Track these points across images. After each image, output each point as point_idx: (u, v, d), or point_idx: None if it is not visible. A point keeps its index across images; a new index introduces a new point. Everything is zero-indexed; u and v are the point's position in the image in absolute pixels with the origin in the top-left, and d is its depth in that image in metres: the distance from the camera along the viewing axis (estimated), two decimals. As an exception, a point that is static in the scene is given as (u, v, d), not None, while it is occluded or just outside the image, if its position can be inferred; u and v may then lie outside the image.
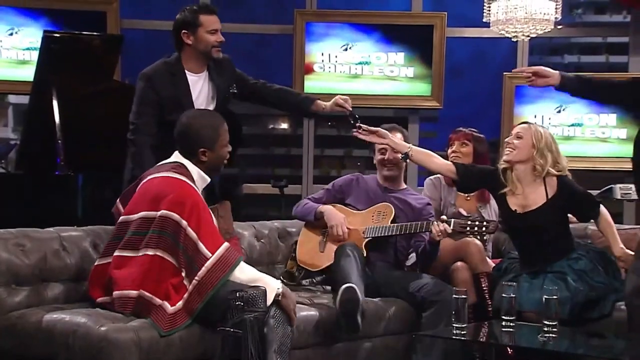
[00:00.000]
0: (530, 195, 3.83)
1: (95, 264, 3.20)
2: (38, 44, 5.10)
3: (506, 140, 3.92)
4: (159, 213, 3.04)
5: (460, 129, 4.39)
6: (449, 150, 4.36)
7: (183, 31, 3.71)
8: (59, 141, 4.85)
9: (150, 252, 3.03)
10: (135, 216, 3.11)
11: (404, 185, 4.18)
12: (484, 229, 3.73)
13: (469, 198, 4.32)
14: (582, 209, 3.91)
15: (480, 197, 4.30)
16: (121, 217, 3.18)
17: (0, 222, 3.43)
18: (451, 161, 4.09)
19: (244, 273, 3.04)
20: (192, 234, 3.01)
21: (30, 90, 5.03)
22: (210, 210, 3.16)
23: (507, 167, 3.87)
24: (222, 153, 3.27)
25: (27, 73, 5.82)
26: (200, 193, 3.17)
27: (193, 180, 3.15)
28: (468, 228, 3.74)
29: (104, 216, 3.40)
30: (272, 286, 3.03)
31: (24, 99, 5.37)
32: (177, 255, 3.02)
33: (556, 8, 5.25)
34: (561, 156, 3.87)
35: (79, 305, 3.16)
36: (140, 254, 3.05)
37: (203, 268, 2.98)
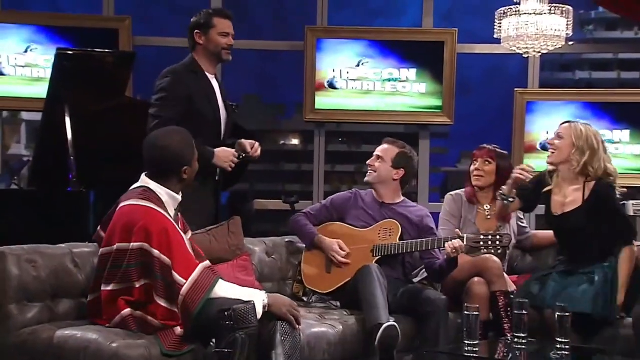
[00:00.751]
0: (570, 197, 3.88)
1: (88, 299, 3.18)
2: (50, 62, 5.13)
3: (547, 141, 4.00)
4: (130, 245, 3.00)
5: (484, 145, 4.36)
6: (472, 168, 4.34)
7: (196, 31, 3.88)
8: (71, 157, 4.88)
9: (137, 285, 3.01)
10: (114, 247, 3.06)
11: (400, 198, 4.15)
12: (497, 242, 3.73)
13: (489, 217, 4.30)
14: (611, 229, 3.86)
15: (500, 217, 4.28)
16: (101, 250, 3.13)
17: (12, 238, 3.44)
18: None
19: (225, 291, 3.00)
20: (166, 260, 2.97)
21: (43, 107, 5.06)
22: (181, 233, 3.10)
23: (553, 169, 3.91)
24: (197, 167, 3.25)
25: (41, 90, 5.87)
26: (171, 215, 3.11)
27: (162, 203, 3.09)
28: (482, 243, 3.74)
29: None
30: (258, 299, 3.00)
31: (37, 116, 5.40)
32: (157, 283, 2.99)
33: (567, 24, 5.24)
34: (606, 157, 3.87)
35: (91, 322, 3.16)
36: (125, 286, 3.02)
37: (180, 296, 2.94)
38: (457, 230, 3.92)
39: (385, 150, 4.11)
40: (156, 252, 2.97)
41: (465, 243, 3.75)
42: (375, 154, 4.13)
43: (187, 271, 2.97)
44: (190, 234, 3.37)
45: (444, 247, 3.78)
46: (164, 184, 3.13)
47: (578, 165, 3.83)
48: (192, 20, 3.91)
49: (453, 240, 3.74)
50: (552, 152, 3.90)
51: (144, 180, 3.16)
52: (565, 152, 3.86)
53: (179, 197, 3.19)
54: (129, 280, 3.02)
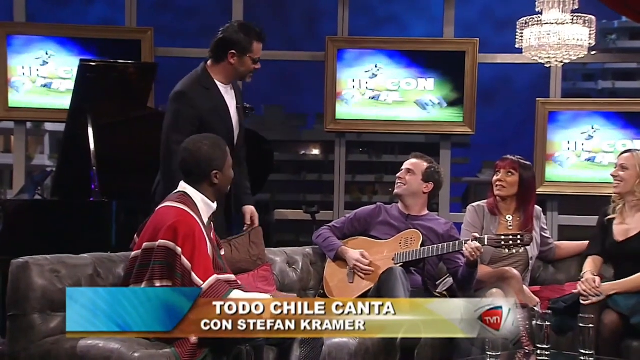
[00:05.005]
0: (634, 224, 3.93)
1: None
2: (73, 73, 5.18)
3: (611, 173, 4.03)
4: (157, 243, 3.04)
5: (508, 156, 4.33)
6: (494, 178, 4.32)
7: (231, 50, 3.75)
8: (94, 168, 4.91)
9: (157, 283, 3.03)
10: (143, 247, 3.12)
11: (425, 212, 4.20)
12: (518, 241, 3.77)
13: (511, 227, 4.28)
14: None
15: (522, 227, 4.25)
16: (132, 253, 3.19)
17: (35, 249, 3.47)
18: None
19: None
20: (186, 262, 3.00)
21: (66, 118, 5.11)
22: (207, 241, 3.12)
23: (619, 198, 3.97)
24: (229, 174, 3.28)
25: (64, 101, 5.92)
26: (203, 222, 3.14)
27: (196, 208, 3.14)
28: (503, 242, 3.77)
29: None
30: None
31: (60, 127, 5.45)
32: (176, 282, 3.01)
33: (590, 34, 5.22)
34: None
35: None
36: (148, 285, 3.03)
37: None
38: (475, 233, 3.92)
39: (415, 164, 4.16)
40: (179, 250, 3.01)
41: (487, 243, 3.79)
42: (405, 167, 4.18)
43: (205, 276, 3.01)
44: (223, 251, 3.41)
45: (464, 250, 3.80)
46: (198, 189, 3.18)
47: None
48: (226, 33, 3.76)
49: (470, 242, 3.77)
50: (618, 183, 3.97)
51: (182, 186, 3.22)
52: (630, 183, 3.94)
53: (214, 206, 3.22)
54: (152, 278, 3.04)
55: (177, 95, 3.76)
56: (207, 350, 2.95)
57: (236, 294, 3.03)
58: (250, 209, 3.94)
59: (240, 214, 3.94)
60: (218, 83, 3.81)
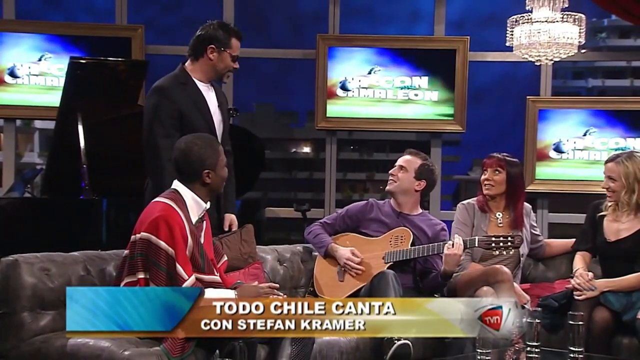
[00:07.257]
0: (625, 224, 3.99)
1: None
2: (63, 70, 5.17)
3: (602, 185, 4.09)
4: (139, 235, 3.06)
5: (494, 154, 4.33)
6: (482, 177, 4.32)
7: (210, 46, 3.75)
8: (84, 166, 4.90)
9: (141, 275, 3.05)
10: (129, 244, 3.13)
11: (419, 210, 4.18)
12: (509, 243, 3.79)
13: (501, 224, 4.29)
14: None
15: (513, 224, 4.26)
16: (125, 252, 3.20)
17: (25, 247, 3.46)
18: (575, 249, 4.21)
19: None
20: (171, 251, 3.01)
21: (56, 116, 5.10)
22: (189, 239, 3.11)
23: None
24: (223, 174, 3.27)
25: (54, 99, 5.91)
26: (190, 219, 3.14)
27: (185, 206, 3.14)
28: (493, 244, 3.79)
29: (128, 241, 3.42)
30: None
31: (50, 124, 5.44)
32: (159, 274, 3.02)
33: (580, 32, 5.24)
34: None
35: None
36: (134, 278, 3.06)
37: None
38: (460, 237, 3.93)
39: (408, 160, 4.14)
40: (163, 243, 3.01)
41: (477, 245, 3.82)
42: (397, 164, 4.16)
43: (188, 271, 3.02)
44: (225, 257, 3.43)
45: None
46: (190, 188, 3.19)
47: (629, 206, 3.98)
48: (205, 30, 3.77)
49: (456, 241, 3.82)
50: (611, 195, 4.03)
51: (175, 184, 3.23)
52: (619, 193, 4.00)
53: (204, 205, 3.22)
54: (136, 270, 3.05)
55: (154, 90, 3.75)
56: (195, 342, 2.95)
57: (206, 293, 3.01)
58: (230, 217, 3.92)
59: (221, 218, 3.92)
60: (196, 81, 3.79)
